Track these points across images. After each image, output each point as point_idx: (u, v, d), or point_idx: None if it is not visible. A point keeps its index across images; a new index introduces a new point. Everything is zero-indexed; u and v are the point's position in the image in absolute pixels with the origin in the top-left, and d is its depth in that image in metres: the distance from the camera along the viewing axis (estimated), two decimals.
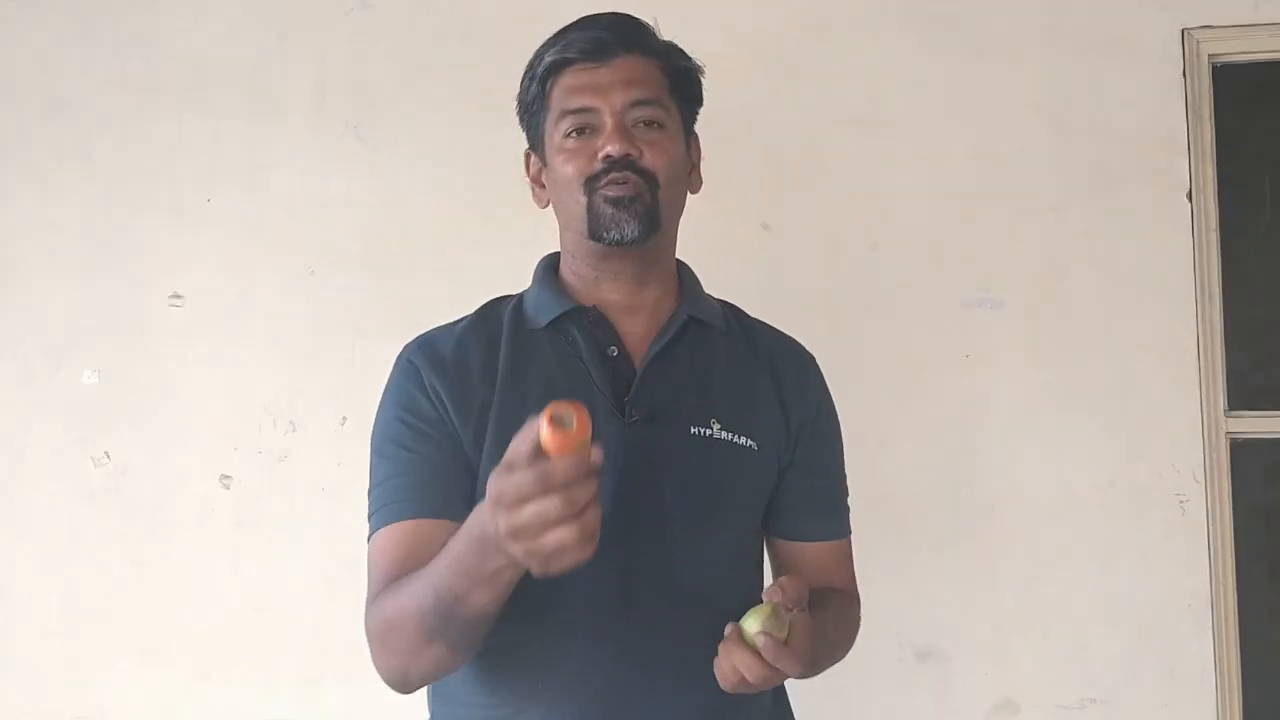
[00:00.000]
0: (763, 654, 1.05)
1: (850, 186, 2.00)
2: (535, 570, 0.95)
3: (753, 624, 1.07)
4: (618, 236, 1.22)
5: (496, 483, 0.93)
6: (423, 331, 1.32)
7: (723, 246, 1.97)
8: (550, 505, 0.90)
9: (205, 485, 2.05)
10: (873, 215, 1.99)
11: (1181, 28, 1.95)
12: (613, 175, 1.22)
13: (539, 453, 0.91)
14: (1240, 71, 1.98)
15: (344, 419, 2.01)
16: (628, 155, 1.22)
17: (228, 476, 2.05)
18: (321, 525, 1.98)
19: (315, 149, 2.11)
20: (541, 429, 0.92)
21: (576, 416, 0.93)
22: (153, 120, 2.14)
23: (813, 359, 1.40)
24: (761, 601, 1.11)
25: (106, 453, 2.08)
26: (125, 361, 2.09)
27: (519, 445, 0.93)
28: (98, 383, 2.09)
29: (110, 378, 2.09)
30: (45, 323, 2.12)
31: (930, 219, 1.98)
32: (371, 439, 1.28)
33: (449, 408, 1.22)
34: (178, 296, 2.10)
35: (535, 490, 0.90)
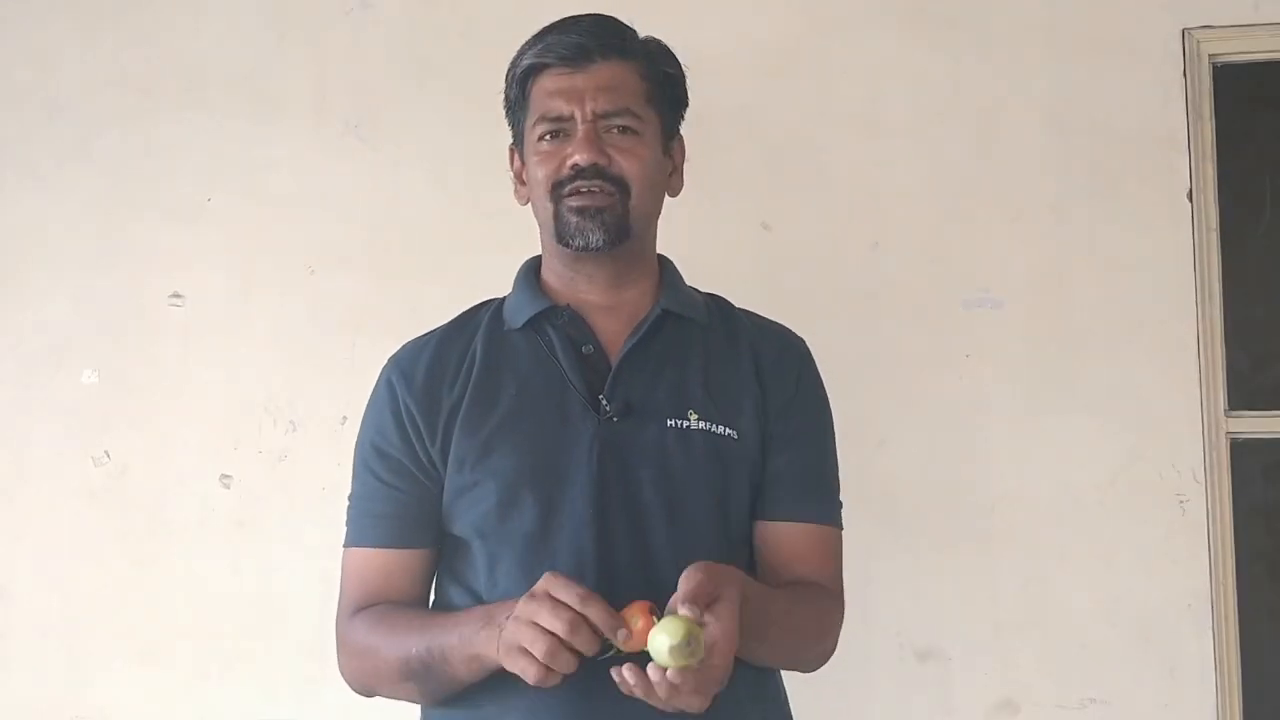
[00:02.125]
0: (671, 688, 1.01)
1: (850, 186, 2.00)
2: (499, 655, 1.09)
3: (663, 644, 1.01)
4: (582, 244, 1.25)
5: (553, 576, 1.07)
6: (409, 340, 1.36)
7: (723, 246, 1.97)
8: (561, 614, 1.04)
9: (205, 485, 2.05)
10: (873, 215, 1.99)
11: (1181, 28, 1.94)
12: (578, 184, 1.23)
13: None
14: (1240, 71, 1.98)
15: (344, 419, 2.00)
16: (595, 164, 1.23)
17: (228, 476, 2.05)
18: (321, 525, 1.96)
19: (315, 149, 2.11)
20: (635, 621, 1.05)
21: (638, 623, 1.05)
22: (153, 120, 2.15)
23: (799, 342, 1.37)
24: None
25: (106, 452, 2.08)
26: (125, 361, 2.09)
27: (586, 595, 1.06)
28: (98, 383, 2.10)
29: (110, 378, 2.09)
30: (45, 323, 2.12)
31: (930, 219, 1.98)
32: (355, 445, 1.34)
33: (421, 428, 1.26)
34: (178, 296, 2.10)
35: (573, 600, 1.04)
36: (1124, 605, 1.87)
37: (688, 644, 1.00)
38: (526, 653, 1.05)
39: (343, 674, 1.29)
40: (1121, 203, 1.93)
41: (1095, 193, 1.94)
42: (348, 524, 1.31)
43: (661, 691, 1.02)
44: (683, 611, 1.03)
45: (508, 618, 1.09)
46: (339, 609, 1.30)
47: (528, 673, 1.05)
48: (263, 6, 2.15)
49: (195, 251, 2.11)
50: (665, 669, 1.01)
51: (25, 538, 2.08)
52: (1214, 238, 1.92)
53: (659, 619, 1.04)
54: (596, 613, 1.05)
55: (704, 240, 1.94)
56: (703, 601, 1.05)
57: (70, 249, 2.13)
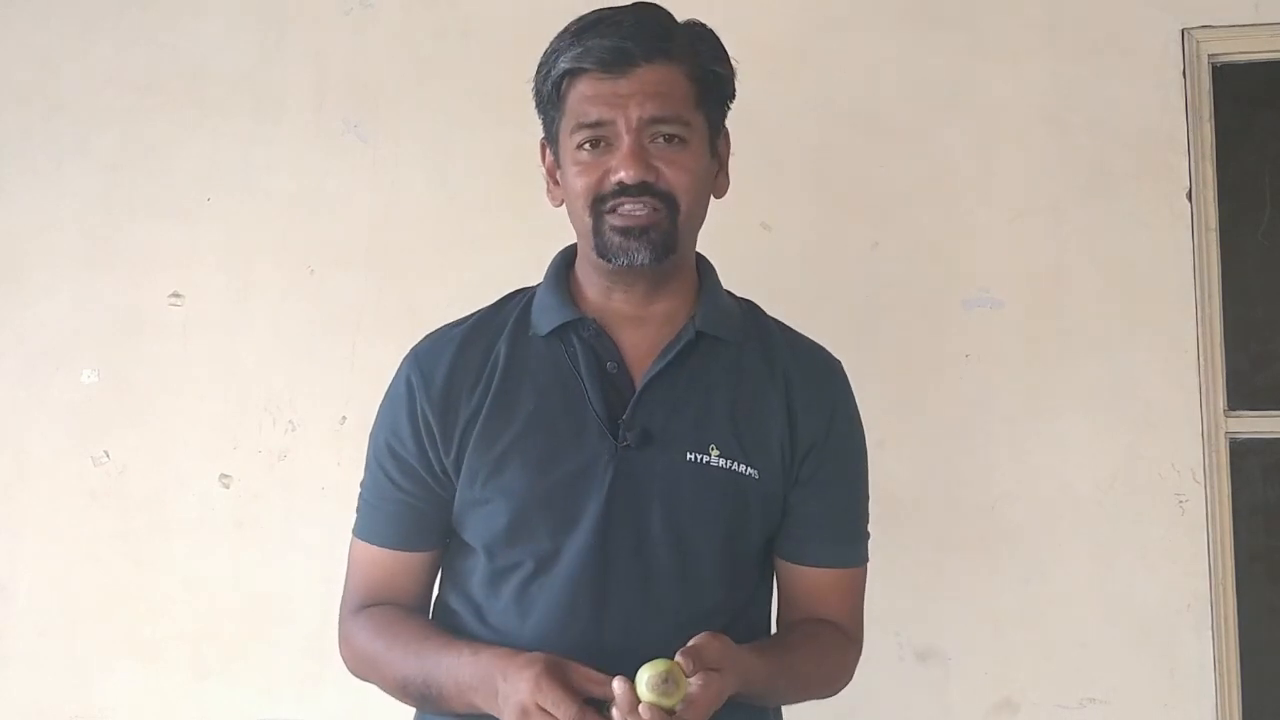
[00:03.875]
0: None
1: (850, 186, 2.00)
2: None
3: (643, 676, 1.03)
4: (626, 263, 1.17)
5: (544, 687, 1.04)
6: (433, 331, 1.32)
7: (723, 246, 1.96)
8: None
9: (205, 484, 2.05)
10: (873, 215, 1.99)
11: (1181, 28, 1.94)
12: (624, 200, 1.15)
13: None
14: (1240, 71, 1.98)
15: (344, 418, 2.01)
16: (643, 181, 1.15)
17: (227, 475, 2.05)
18: (321, 524, 1.98)
19: (315, 149, 2.11)
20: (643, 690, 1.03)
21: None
22: (153, 120, 2.15)
23: (834, 368, 1.32)
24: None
25: (106, 452, 2.08)
26: (125, 361, 2.09)
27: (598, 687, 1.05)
28: (98, 382, 2.10)
29: (110, 378, 2.09)
30: (45, 323, 2.12)
31: (930, 219, 1.98)
32: (370, 434, 1.31)
33: (437, 436, 1.23)
34: (178, 296, 2.10)
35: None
36: (1124, 605, 1.87)
37: (664, 681, 1.02)
38: None
39: (343, 660, 1.29)
40: (1121, 203, 1.93)
41: (1095, 193, 1.94)
42: (357, 512, 1.30)
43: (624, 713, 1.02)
44: (677, 657, 1.04)
45: (504, 701, 1.08)
46: (343, 599, 1.30)
47: None
48: (263, 6, 2.15)
49: (195, 251, 2.11)
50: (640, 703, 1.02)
51: (25, 538, 2.08)
52: (1213, 237, 1.92)
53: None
54: (619, 679, 1.04)
55: (704, 240, 1.94)
56: (703, 662, 1.05)
57: (70, 249, 2.13)
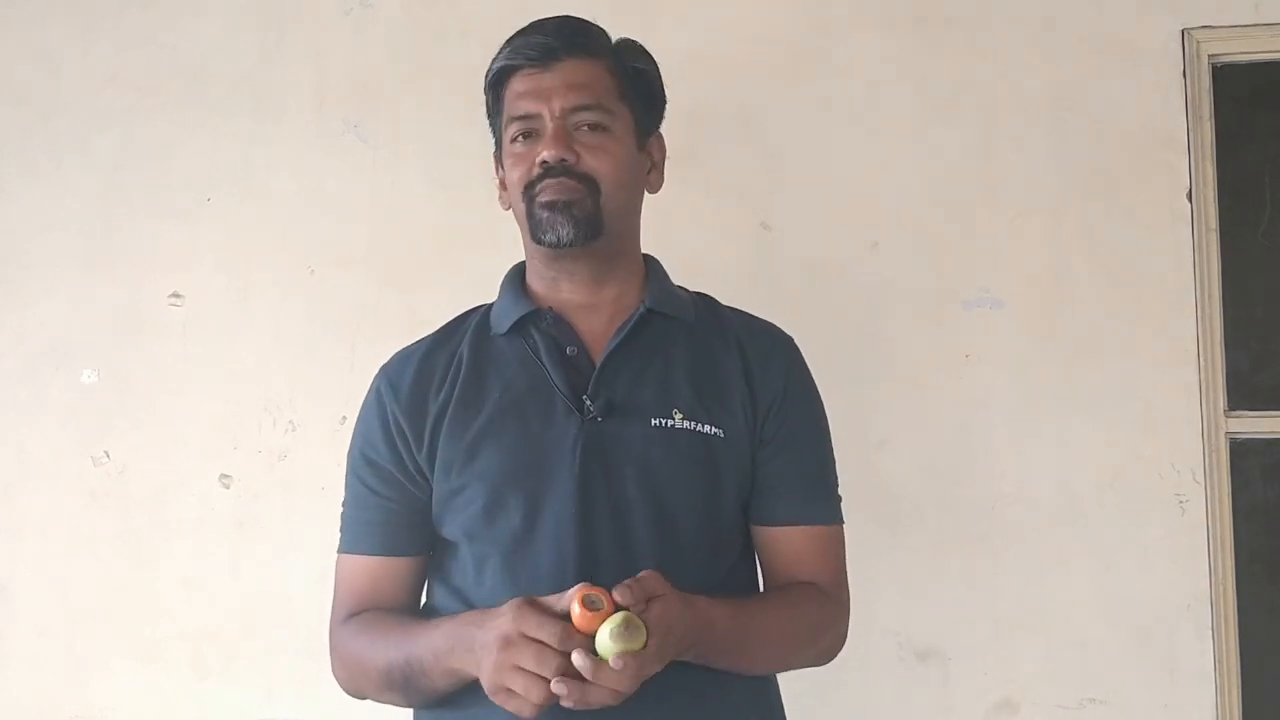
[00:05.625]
0: (619, 674, 1.01)
1: (850, 186, 2.00)
2: (486, 692, 1.07)
3: (606, 637, 1.02)
4: (554, 239, 1.25)
5: (525, 614, 1.05)
6: (399, 350, 1.37)
7: (723, 246, 1.97)
8: (548, 659, 1.02)
9: (205, 484, 2.05)
10: (873, 215, 1.99)
11: (1181, 28, 1.95)
12: (547, 181, 1.24)
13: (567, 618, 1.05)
14: (1240, 71, 1.98)
15: (343, 418, 2.00)
16: (563, 160, 1.24)
17: (227, 476, 2.05)
18: (321, 524, 1.95)
19: (315, 149, 2.11)
20: (573, 608, 1.04)
21: (605, 601, 1.04)
22: (153, 120, 2.15)
23: (786, 339, 1.37)
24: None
25: (106, 452, 2.08)
26: (125, 361, 2.09)
27: (562, 603, 1.06)
28: (98, 382, 2.10)
29: (110, 378, 2.09)
30: (45, 323, 2.12)
31: (930, 219, 1.98)
32: (347, 454, 1.35)
33: (409, 436, 1.27)
34: (178, 296, 2.10)
35: (553, 640, 1.03)
36: (1124, 605, 1.87)
37: (626, 627, 1.02)
38: (517, 694, 1.05)
39: (335, 678, 1.30)
40: (1121, 203, 1.94)
41: (1095, 193, 1.94)
42: (340, 530, 1.33)
43: (591, 675, 1.02)
44: (618, 598, 1.05)
45: (483, 646, 1.08)
46: (332, 614, 1.31)
47: (523, 712, 1.05)
48: (263, 6, 2.15)
49: (195, 251, 2.11)
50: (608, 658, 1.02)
51: (25, 538, 2.08)
52: (1214, 238, 1.93)
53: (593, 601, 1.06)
54: (577, 651, 1.04)
55: (704, 240, 1.95)
56: (643, 589, 1.06)
57: (70, 249, 2.13)
